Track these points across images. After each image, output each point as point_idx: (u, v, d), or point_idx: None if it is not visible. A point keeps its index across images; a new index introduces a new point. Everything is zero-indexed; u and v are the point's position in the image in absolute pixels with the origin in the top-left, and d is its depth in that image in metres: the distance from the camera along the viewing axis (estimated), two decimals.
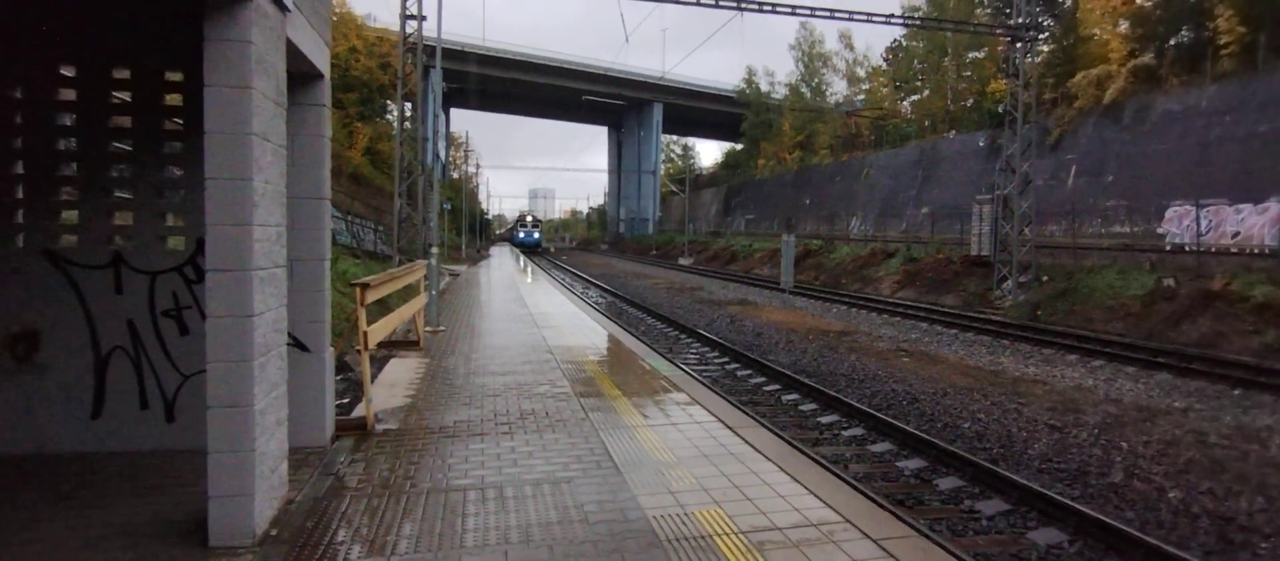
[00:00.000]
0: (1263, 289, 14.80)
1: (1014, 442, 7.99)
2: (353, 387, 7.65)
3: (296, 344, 4.85)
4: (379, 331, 6.43)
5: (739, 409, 6.83)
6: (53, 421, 4.75)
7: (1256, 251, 17.72)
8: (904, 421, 8.49)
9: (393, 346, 9.37)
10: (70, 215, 4.88)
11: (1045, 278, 20.64)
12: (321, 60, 4.90)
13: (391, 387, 7.08)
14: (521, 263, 38.30)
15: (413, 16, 17.99)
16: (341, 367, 8.18)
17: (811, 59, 58.91)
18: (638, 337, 12.04)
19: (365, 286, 5.79)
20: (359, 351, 5.71)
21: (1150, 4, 29.24)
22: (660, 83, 62.66)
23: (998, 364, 12.68)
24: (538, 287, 20.49)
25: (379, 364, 8.19)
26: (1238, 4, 24.14)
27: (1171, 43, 27.46)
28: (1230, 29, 23.42)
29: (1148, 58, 26.09)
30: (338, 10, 34.76)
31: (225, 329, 3.51)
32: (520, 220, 78.55)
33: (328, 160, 5.11)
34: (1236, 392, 10.54)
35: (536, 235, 72.01)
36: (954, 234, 27.87)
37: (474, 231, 57.76)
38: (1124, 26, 30.23)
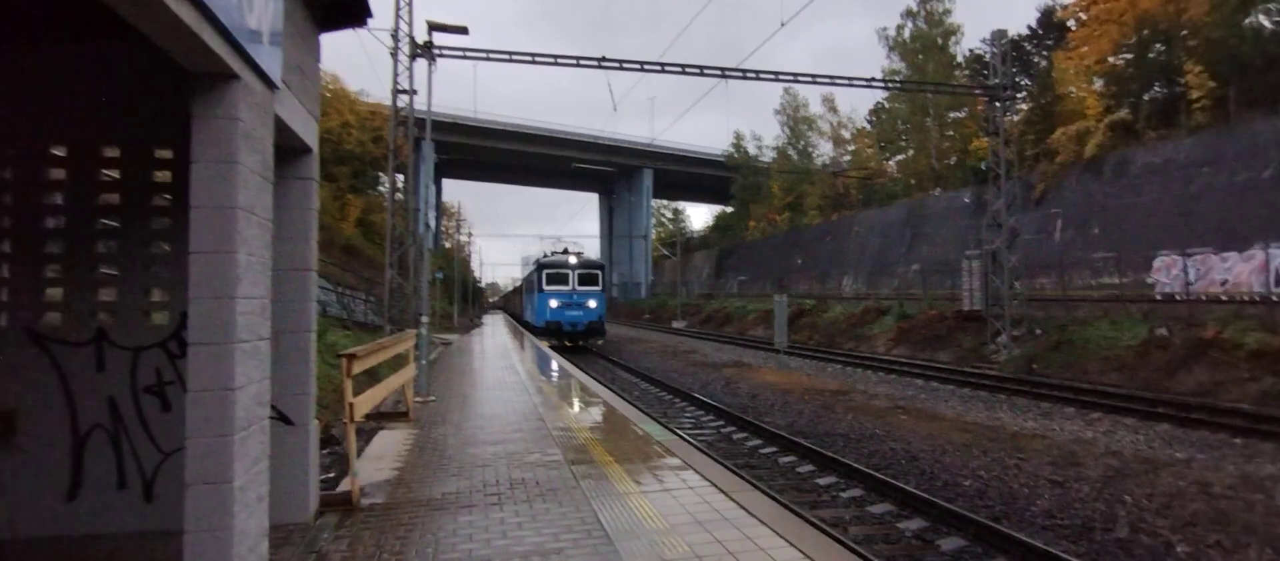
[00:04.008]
0: (1255, 335, 14.84)
1: (1016, 499, 7.85)
2: (339, 461, 7.48)
3: (280, 417, 4.76)
4: (366, 402, 6.33)
5: (734, 472, 6.71)
6: (26, 504, 4.60)
7: (1245, 298, 17.84)
8: (903, 480, 8.35)
9: (382, 418, 9.22)
10: (54, 292, 4.84)
11: (1038, 331, 20.65)
12: (310, 135, 4.96)
13: (379, 460, 6.93)
14: (518, 335, 31.53)
15: (404, 91, 18.39)
16: (329, 441, 8.03)
17: (797, 123, 60.41)
18: (631, 403, 11.92)
19: (352, 357, 5.73)
20: (345, 423, 5.61)
21: (1122, 62, 30.22)
22: (649, 149, 63.82)
23: (996, 419, 12.56)
24: (530, 356, 20.36)
25: (367, 436, 8.04)
26: (1205, 60, 25.01)
27: (1145, 98, 28.30)
28: (1200, 84, 24.19)
29: (1124, 113, 26.79)
30: (332, 87, 35.51)
31: (206, 403, 3.44)
32: (549, 264, 29.80)
33: (314, 232, 5.12)
34: (1237, 441, 10.44)
35: (594, 304, 28.99)
36: (945, 289, 28.00)
37: (466, 300, 57.58)
38: (1098, 84, 31.18)
